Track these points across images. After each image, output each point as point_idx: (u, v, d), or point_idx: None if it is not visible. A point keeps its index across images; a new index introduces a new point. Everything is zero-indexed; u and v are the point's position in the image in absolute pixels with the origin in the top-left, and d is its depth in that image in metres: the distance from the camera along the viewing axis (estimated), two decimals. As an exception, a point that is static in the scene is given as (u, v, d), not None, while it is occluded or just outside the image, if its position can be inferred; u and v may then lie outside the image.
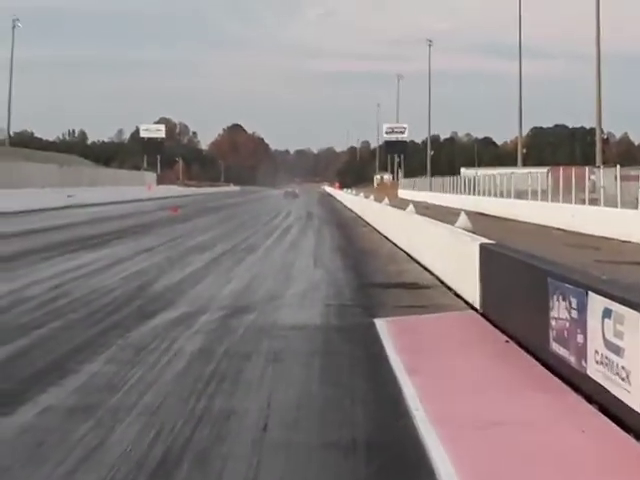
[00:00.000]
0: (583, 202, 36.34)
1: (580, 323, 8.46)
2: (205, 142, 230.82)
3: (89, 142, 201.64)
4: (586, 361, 8.27)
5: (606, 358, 7.78)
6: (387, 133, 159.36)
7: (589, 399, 8.19)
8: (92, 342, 11.42)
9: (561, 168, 43.60)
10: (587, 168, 39.95)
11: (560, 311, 9.08)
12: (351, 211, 56.34)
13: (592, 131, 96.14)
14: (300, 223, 42.86)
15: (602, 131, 77.64)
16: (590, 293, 8.25)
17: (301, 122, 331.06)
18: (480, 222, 33.39)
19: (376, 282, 18.09)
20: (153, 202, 76.10)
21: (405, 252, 24.04)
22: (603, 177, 35.20)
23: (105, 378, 9.45)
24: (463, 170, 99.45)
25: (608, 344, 7.74)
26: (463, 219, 27.47)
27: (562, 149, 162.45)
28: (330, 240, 31.26)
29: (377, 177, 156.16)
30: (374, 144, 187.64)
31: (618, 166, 33.86)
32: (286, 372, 9.90)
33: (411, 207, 31.58)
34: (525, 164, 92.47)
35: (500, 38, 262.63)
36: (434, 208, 55.02)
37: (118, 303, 14.76)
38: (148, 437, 7.28)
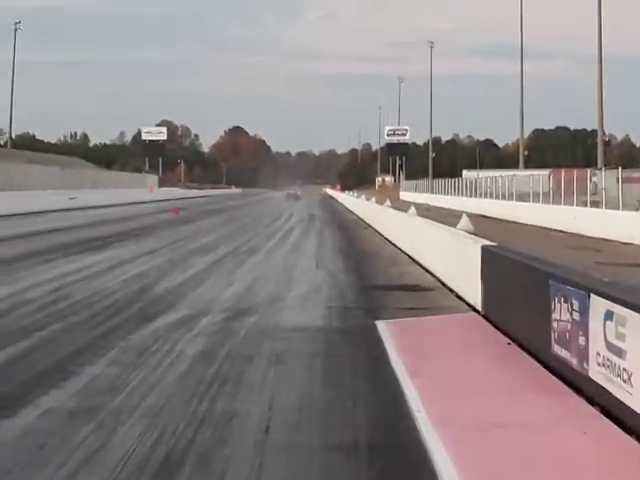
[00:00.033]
0: (585, 204, 36.32)
1: (582, 325, 8.46)
2: (207, 144, 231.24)
3: (91, 144, 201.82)
4: (588, 363, 8.27)
5: (608, 360, 7.78)
6: (389, 135, 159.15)
7: (591, 401, 8.19)
8: (93, 344, 11.41)
9: (563, 170, 43.62)
10: (589, 170, 39.95)
11: (562, 313, 9.07)
12: (352, 213, 56.35)
13: (594, 133, 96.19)
14: (302, 225, 42.86)
15: (604, 133, 77.60)
16: (592, 295, 8.24)
17: (303, 124, 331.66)
18: (482, 224, 33.38)
19: (378, 284, 18.08)
20: (155, 204, 76.12)
21: (407, 254, 24.04)
22: (605, 179, 35.20)
23: (107, 380, 9.45)
24: (465, 172, 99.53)
25: (610, 346, 7.74)
26: (465, 221, 27.47)
27: (564, 151, 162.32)
28: (332, 242, 31.26)
29: (379, 179, 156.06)
30: (375, 146, 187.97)
31: (620, 168, 33.88)
32: (288, 374, 9.90)
33: (413, 209, 31.57)
34: (527, 166, 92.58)
35: (501, 39, 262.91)
36: (436, 210, 55.00)
37: (119, 305, 14.76)
38: (150, 439, 7.28)
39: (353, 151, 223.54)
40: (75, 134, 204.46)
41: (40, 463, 6.70)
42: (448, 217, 33.03)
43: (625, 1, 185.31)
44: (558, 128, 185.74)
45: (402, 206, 40.42)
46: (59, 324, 12.91)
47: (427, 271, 19.62)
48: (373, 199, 55.32)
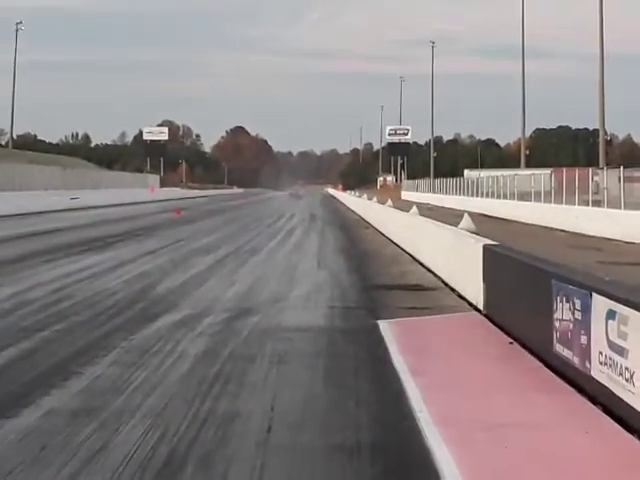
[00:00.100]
0: (586, 203, 36.29)
1: (584, 324, 8.46)
2: (208, 144, 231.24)
3: (92, 145, 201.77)
4: (590, 362, 8.27)
5: (610, 359, 7.77)
6: (390, 135, 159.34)
7: (593, 400, 8.19)
8: (95, 344, 11.41)
9: (564, 169, 43.61)
10: (590, 169, 39.91)
11: (564, 312, 9.07)
12: (354, 213, 56.34)
13: (595, 132, 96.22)
14: (303, 225, 42.86)
15: (605, 132, 77.64)
16: (594, 294, 8.24)
17: (304, 124, 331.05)
18: (483, 224, 33.35)
19: (379, 284, 18.08)
20: (156, 204, 76.12)
21: (408, 254, 24.04)
22: (606, 178, 35.16)
23: (109, 380, 9.45)
24: (466, 172, 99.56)
25: (612, 345, 7.74)
26: (466, 221, 27.38)
27: (565, 150, 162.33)
28: (333, 242, 31.26)
29: (380, 179, 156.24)
30: (377, 146, 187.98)
31: (622, 167, 33.82)
32: (290, 374, 9.90)
33: (414, 209, 31.53)
34: (528, 165, 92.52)
35: (503, 39, 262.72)
36: (437, 210, 55.02)
37: (121, 305, 14.76)
38: (152, 439, 7.27)
39: (355, 151, 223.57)
40: (76, 134, 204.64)
41: (42, 463, 6.70)
42: (450, 216, 33.00)
43: (629, 1, 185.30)
44: (560, 127, 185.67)
45: (404, 206, 40.38)
46: (61, 324, 12.92)
47: (429, 270, 19.62)
48: (375, 199, 55.24)
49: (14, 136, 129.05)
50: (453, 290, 16.19)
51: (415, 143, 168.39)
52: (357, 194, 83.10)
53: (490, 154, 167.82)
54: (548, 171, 49.04)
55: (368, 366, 10.27)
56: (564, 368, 9.06)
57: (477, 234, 17.62)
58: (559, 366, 9.24)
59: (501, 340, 11.50)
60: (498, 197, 55.23)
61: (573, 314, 8.78)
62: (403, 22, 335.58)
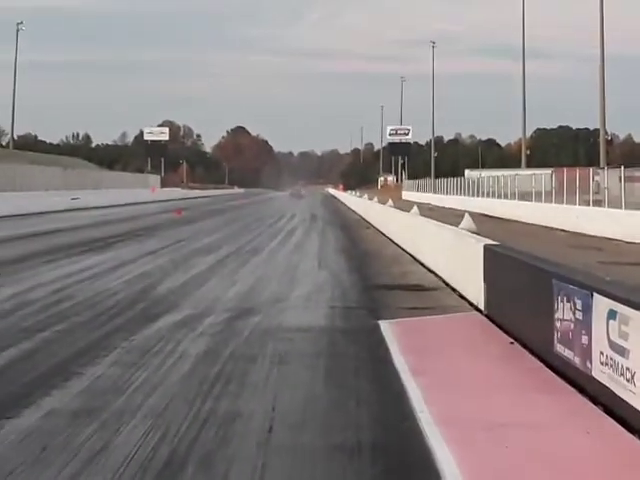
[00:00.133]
0: (587, 203, 36.28)
1: (585, 324, 8.45)
2: (209, 144, 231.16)
3: (93, 145, 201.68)
4: (591, 362, 8.26)
5: (611, 359, 7.77)
6: (391, 135, 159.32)
7: (594, 400, 8.18)
8: (96, 345, 11.41)
9: (565, 169, 43.63)
10: (591, 169, 39.90)
11: (565, 312, 9.07)
12: (355, 213, 56.34)
13: (596, 132, 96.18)
14: (304, 225, 42.87)
15: (606, 132, 77.62)
16: (595, 294, 8.23)
17: (305, 124, 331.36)
18: (484, 224, 33.36)
19: (380, 284, 18.08)
20: (157, 205, 76.15)
21: (409, 254, 24.04)
22: (607, 178, 35.15)
23: (110, 381, 9.45)
24: (467, 172, 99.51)
25: (613, 345, 7.73)
26: (467, 221, 27.38)
27: (566, 150, 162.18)
28: (334, 242, 31.26)
29: (381, 179, 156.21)
30: (378, 146, 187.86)
31: (622, 167, 33.80)
32: (291, 374, 9.90)
33: (415, 209, 31.53)
34: (529, 165, 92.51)
35: (503, 39, 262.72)
36: (438, 210, 55.02)
37: (122, 306, 14.76)
38: (153, 440, 7.27)
39: (355, 151, 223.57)
40: (77, 135, 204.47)
41: (43, 464, 6.70)
42: (450, 216, 33.00)
43: (630, 1, 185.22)
44: (560, 127, 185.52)
45: (404, 206, 40.38)
46: (61, 325, 12.92)
47: (429, 270, 19.62)
48: (375, 199, 55.24)
49: (15, 136, 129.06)
50: (454, 290, 16.18)
51: (416, 143, 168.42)
52: (358, 194, 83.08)
53: (491, 154, 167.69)
54: (549, 171, 49.01)
55: (369, 366, 10.27)
56: (565, 368, 9.06)
57: (478, 234, 17.61)
58: (560, 366, 9.24)
59: (502, 340, 11.50)
60: (499, 197, 55.21)
61: (574, 314, 8.78)
62: (403, 22, 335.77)
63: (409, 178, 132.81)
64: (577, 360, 8.67)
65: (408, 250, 24.62)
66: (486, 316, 13.21)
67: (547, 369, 9.59)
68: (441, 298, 15.73)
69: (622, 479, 6.43)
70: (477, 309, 13.88)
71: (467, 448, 7.03)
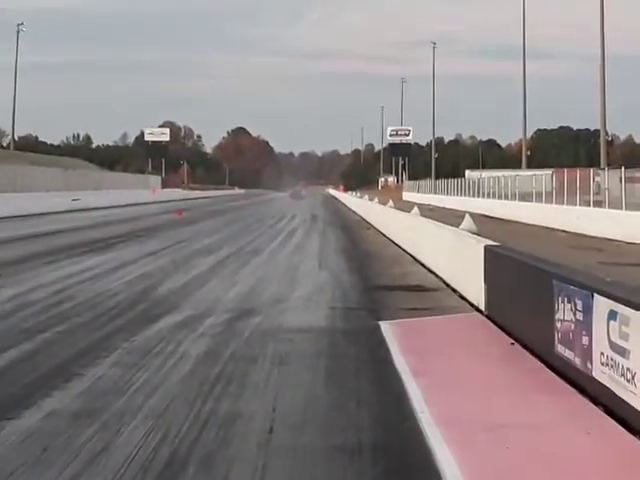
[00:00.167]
0: (588, 204, 36.26)
1: (585, 325, 8.45)
2: (209, 145, 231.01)
3: (94, 146, 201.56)
4: (591, 363, 8.26)
5: (611, 360, 7.77)
6: (391, 135, 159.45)
7: (594, 401, 8.18)
8: (97, 346, 11.42)
9: (565, 170, 43.65)
10: (592, 170, 39.88)
11: (565, 313, 9.07)
12: (355, 214, 56.34)
13: (596, 133, 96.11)
14: (305, 226, 42.87)
15: (607, 133, 77.58)
16: (595, 295, 8.24)
17: (305, 125, 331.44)
18: (485, 224, 33.38)
19: (381, 284, 18.08)
20: (158, 205, 76.18)
21: (410, 254, 24.04)
22: (608, 179, 35.14)
23: (110, 382, 9.45)
24: (467, 172, 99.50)
25: (613, 346, 7.73)
26: (468, 221, 27.44)
27: (566, 151, 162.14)
28: (335, 243, 31.26)
29: (381, 180, 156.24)
30: (378, 146, 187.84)
31: (623, 168, 33.80)
32: (292, 375, 9.90)
33: (416, 209, 31.55)
34: (529, 166, 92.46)
35: (503, 40, 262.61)
36: (438, 210, 55.01)
37: (123, 307, 14.77)
38: (154, 440, 7.28)
39: (356, 152, 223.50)
40: (78, 135, 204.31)
41: (43, 465, 6.70)
42: (451, 217, 33.02)
43: (631, 1, 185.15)
44: (561, 128, 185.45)
45: (405, 206, 40.39)
46: (62, 326, 12.92)
47: (430, 271, 19.62)
48: (376, 199, 55.24)
49: (15, 137, 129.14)
50: (454, 291, 16.18)
51: (416, 144, 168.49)
52: (358, 195, 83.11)
53: (491, 155, 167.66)
54: (549, 172, 48.99)
55: (369, 367, 10.27)
56: (565, 369, 9.06)
57: (478, 235, 17.63)
58: (560, 367, 9.24)
59: (502, 341, 11.50)
60: (499, 198, 55.20)
61: (574, 315, 8.78)
62: (403, 23, 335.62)
63: (410, 179, 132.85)
64: (578, 361, 8.67)
65: (409, 251, 24.62)
66: (487, 317, 13.21)
67: (548, 370, 9.59)
68: (442, 299, 15.74)
69: (622, 479, 6.43)
70: (478, 310, 13.88)
71: (468, 449, 7.03)
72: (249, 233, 36.02)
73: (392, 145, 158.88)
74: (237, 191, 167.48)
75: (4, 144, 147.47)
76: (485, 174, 74.49)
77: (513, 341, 11.24)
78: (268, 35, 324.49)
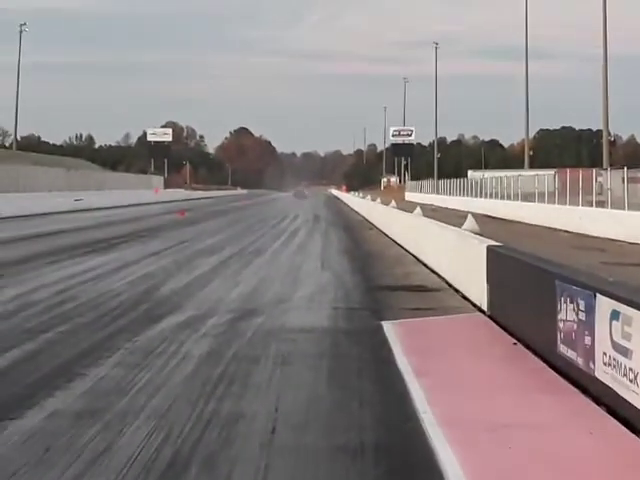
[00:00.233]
0: (590, 204, 36.27)
1: (588, 325, 8.45)
2: (212, 145, 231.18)
3: (96, 146, 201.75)
4: (594, 363, 8.26)
5: (614, 360, 7.77)
6: (394, 136, 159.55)
7: (597, 401, 8.18)
8: (99, 346, 11.42)
9: (568, 170, 43.56)
10: (594, 170, 39.91)
11: (568, 313, 9.07)
12: (358, 214, 56.35)
13: (599, 133, 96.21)
14: (307, 226, 42.86)
15: (609, 133, 77.56)
16: (598, 295, 8.23)
17: (308, 125, 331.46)
18: (487, 224, 33.36)
19: (383, 285, 18.08)
20: (160, 205, 76.19)
21: (412, 255, 24.04)
22: (610, 179, 35.13)
23: (113, 382, 9.45)
24: (470, 172, 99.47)
25: (616, 346, 7.73)
26: (470, 221, 27.40)
27: (569, 151, 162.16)
28: (337, 243, 31.26)
29: (384, 180, 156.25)
30: (381, 147, 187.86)
31: (625, 168, 33.79)
32: (294, 375, 9.90)
33: (418, 210, 31.54)
34: (532, 166, 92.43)
35: (504, 40, 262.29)
36: (441, 211, 55.02)
37: (125, 307, 14.77)
38: (156, 441, 7.28)
39: (358, 152, 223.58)
40: (80, 136, 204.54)
41: (46, 465, 6.70)
42: (453, 217, 33.02)
43: (633, 1, 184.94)
44: (563, 128, 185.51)
45: (407, 207, 40.40)
46: (65, 326, 12.93)
47: (432, 271, 19.62)
48: (378, 200, 55.19)
49: (18, 137, 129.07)
50: (457, 291, 16.18)
51: (419, 144, 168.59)
52: (361, 195, 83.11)
53: (494, 155, 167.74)
54: (552, 172, 48.97)
55: (372, 367, 10.27)
56: (568, 369, 9.06)
57: (481, 235, 17.63)
58: (563, 367, 9.24)
59: (505, 341, 11.50)
60: (502, 198, 55.21)
61: (577, 315, 8.78)
62: (403, 24, 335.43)
63: (412, 179, 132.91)
64: (580, 361, 8.66)
65: (411, 251, 24.62)
66: (489, 317, 13.20)
67: (550, 370, 9.59)
68: (444, 299, 15.73)
69: (625, 479, 6.44)
70: (480, 310, 13.88)
71: (470, 449, 7.03)
72: (251, 233, 36.02)
73: (394, 145, 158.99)
74: (239, 191, 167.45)
75: (7, 144, 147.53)
76: (487, 174, 74.54)
77: (515, 341, 11.24)
78: (268, 36, 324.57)
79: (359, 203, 63.51)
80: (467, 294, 15.26)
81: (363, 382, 9.52)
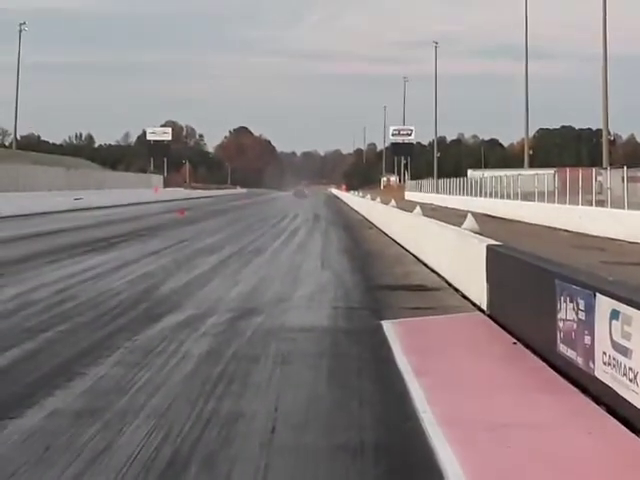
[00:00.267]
0: (590, 203, 36.28)
1: (587, 324, 8.45)
2: (212, 145, 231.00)
3: (96, 145, 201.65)
4: (594, 362, 8.26)
5: (614, 359, 7.77)
6: (393, 135, 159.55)
7: (597, 400, 8.18)
8: (99, 345, 11.42)
9: (568, 169, 43.58)
10: (594, 169, 39.92)
11: (567, 312, 9.07)
12: (358, 213, 56.35)
13: (599, 132, 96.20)
14: (307, 225, 42.86)
15: (609, 132, 77.57)
16: (598, 294, 8.23)
17: (308, 124, 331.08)
18: (487, 224, 33.36)
19: (383, 284, 18.08)
20: (160, 205, 76.17)
21: (412, 254, 24.04)
22: (610, 178, 35.15)
23: (113, 381, 9.45)
24: (470, 172, 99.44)
25: (616, 345, 7.73)
26: (470, 221, 27.40)
27: (569, 150, 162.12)
28: (337, 242, 31.26)
29: (384, 179, 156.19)
30: (380, 146, 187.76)
31: (625, 167, 33.80)
32: (294, 374, 9.90)
33: (418, 209, 31.54)
34: (531, 165, 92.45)
35: (504, 40, 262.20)
36: (441, 210, 55.02)
37: (125, 306, 14.77)
38: (156, 440, 7.28)
39: (358, 151, 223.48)
40: (80, 135, 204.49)
41: (46, 464, 6.70)
42: (453, 217, 33.01)
43: (633, 1, 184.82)
44: (563, 127, 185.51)
45: (407, 206, 40.40)
46: (64, 325, 12.93)
47: (432, 271, 19.61)
48: (378, 199, 55.20)
49: (18, 137, 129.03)
50: (457, 290, 16.18)
51: (419, 143, 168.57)
52: (360, 194, 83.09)
53: (494, 154, 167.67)
54: (551, 171, 48.98)
55: (372, 366, 10.27)
56: (568, 368, 9.06)
57: (480, 234, 17.62)
58: (563, 366, 9.24)
59: (505, 340, 11.50)
60: (501, 197, 55.22)
61: (577, 314, 8.78)
62: (403, 23, 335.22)
63: (412, 178, 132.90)
64: (580, 360, 8.67)
65: (411, 250, 24.62)
66: (489, 316, 13.21)
67: (550, 369, 9.59)
68: (444, 298, 15.73)
69: (624, 479, 6.43)
70: (480, 309, 13.88)
71: (470, 448, 7.03)
72: (251, 232, 36.03)
73: (394, 145, 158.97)
74: (239, 190, 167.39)
75: (6, 143, 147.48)
76: (487, 173, 74.51)
77: (515, 340, 11.24)
78: (268, 36, 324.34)
79: (359, 202, 63.51)
80: (467, 293, 15.26)
81: (363, 381, 9.52)
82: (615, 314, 7.75)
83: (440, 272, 18.66)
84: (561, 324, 9.28)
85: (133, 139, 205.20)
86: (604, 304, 8.05)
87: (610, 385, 7.84)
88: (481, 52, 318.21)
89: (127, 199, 78.74)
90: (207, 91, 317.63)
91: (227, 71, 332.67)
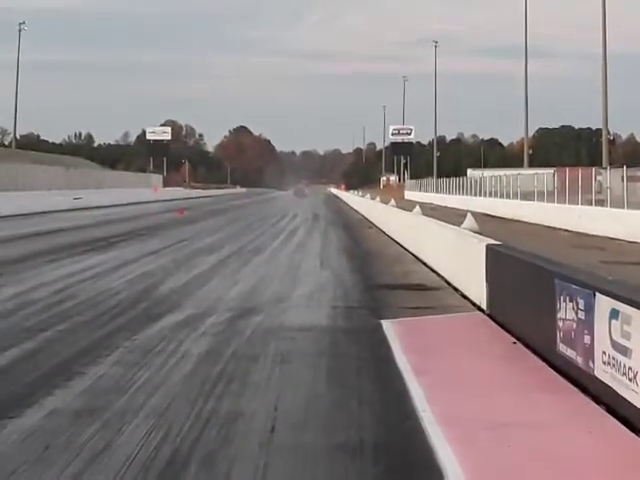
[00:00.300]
0: (589, 203, 36.28)
1: (587, 324, 8.45)
2: (211, 144, 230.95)
3: (95, 145, 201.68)
4: (593, 362, 8.26)
5: (613, 359, 7.76)
6: (393, 134, 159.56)
7: (596, 400, 8.18)
8: (98, 344, 11.41)
9: (567, 169, 43.63)
10: (593, 169, 39.91)
11: (567, 312, 9.06)
12: (357, 212, 56.36)
13: (598, 132, 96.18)
14: (306, 225, 42.86)
15: (608, 131, 77.60)
16: (597, 294, 8.23)
17: (307, 124, 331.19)
18: (486, 223, 33.37)
19: (382, 283, 18.07)
20: (159, 204, 76.19)
21: (411, 253, 24.04)
22: (609, 178, 35.15)
23: (112, 380, 9.45)
24: (469, 171, 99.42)
25: (615, 345, 7.73)
26: (469, 220, 27.40)
27: (568, 150, 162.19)
28: (336, 241, 31.26)
29: (383, 178, 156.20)
30: (380, 145, 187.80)
31: (625, 167, 33.80)
32: (293, 374, 9.90)
33: (417, 208, 31.54)
34: (531, 165, 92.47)
35: (504, 39, 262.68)
36: (440, 209, 55.02)
37: (124, 305, 14.76)
38: (155, 439, 7.27)
39: (358, 150, 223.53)
40: (79, 134, 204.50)
41: (45, 463, 6.70)
42: (453, 216, 33.00)
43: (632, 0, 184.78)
44: (563, 127, 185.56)
45: (407, 205, 40.40)
46: (64, 324, 12.92)
47: (432, 270, 19.61)
48: (378, 198, 55.19)
49: (17, 136, 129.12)
50: (456, 290, 16.18)
51: (418, 143, 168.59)
52: (360, 194, 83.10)
53: (493, 154, 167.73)
54: (551, 171, 48.99)
55: (371, 366, 10.27)
56: (567, 368, 9.05)
57: (480, 234, 17.62)
58: (562, 366, 9.24)
59: (504, 340, 11.49)
60: (501, 197, 55.21)
61: (576, 314, 8.78)
62: (403, 23, 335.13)
63: (411, 178, 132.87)
64: (580, 360, 8.66)
65: (410, 250, 24.62)
66: (488, 316, 13.20)
67: (549, 369, 9.58)
68: (443, 298, 15.73)
69: (624, 479, 6.43)
70: (479, 309, 13.88)
71: (470, 447, 7.03)
72: (250, 232, 36.02)
73: (394, 144, 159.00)
74: (239, 190, 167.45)
75: (6, 142, 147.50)
76: (487, 173, 74.47)
77: (515, 340, 11.24)
78: (268, 36, 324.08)
79: (358, 202, 63.52)
80: (466, 293, 15.26)
81: (362, 381, 9.52)
82: (615, 313, 7.75)
83: (440, 271, 18.66)
84: (561, 323, 9.27)
85: (133, 138, 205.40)
86: (604, 303, 8.04)
87: (610, 384, 7.84)
88: (481, 51, 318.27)
89: (126, 198, 78.75)
90: (207, 91, 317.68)
91: (227, 71, 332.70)
